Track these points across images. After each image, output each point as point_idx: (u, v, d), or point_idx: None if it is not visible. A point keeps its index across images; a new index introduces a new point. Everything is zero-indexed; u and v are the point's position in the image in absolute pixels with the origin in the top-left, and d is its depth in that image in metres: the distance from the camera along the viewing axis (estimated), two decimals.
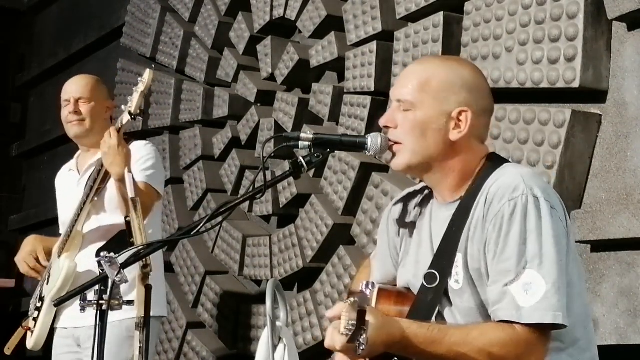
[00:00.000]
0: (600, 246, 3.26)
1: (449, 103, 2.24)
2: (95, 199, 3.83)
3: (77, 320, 3.75)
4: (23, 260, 3.99)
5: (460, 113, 2.23)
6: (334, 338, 2.00)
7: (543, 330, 2.06)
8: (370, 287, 1.92)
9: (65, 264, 3.81)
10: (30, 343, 3.89)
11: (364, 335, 1.89)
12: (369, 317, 1.90)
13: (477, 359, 2.04)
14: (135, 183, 3.59)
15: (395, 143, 2.26)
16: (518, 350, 2.04)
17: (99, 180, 3.83)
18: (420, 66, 2.34)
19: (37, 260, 3.95)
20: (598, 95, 3.37)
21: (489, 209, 2.14)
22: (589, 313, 2.31)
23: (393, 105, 2.30)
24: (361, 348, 1.89)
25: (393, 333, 2.02)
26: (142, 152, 3.87)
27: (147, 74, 3.61)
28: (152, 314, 3.69)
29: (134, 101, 3.61)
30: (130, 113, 3.61)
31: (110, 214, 3.79)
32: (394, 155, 2.28)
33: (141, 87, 3.60)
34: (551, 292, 2.04)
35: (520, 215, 2.09)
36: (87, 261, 3.77)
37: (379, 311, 2.07)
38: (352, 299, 1.91)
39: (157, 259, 3.84)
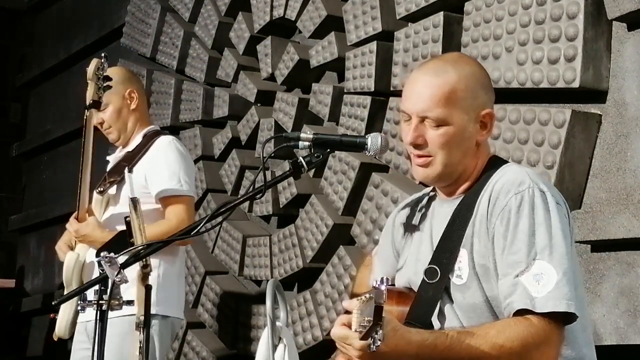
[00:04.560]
0: (600, 246, 3.26)
1: (474, 108, 2.23)
2: (111, 191, 3.85)
3: (87, 315, 3.77)
4: (59, 248, 4.00)
5: (484, 116, 2.23)
6: (348, 333, 1.97)
7: (557, 321, 2.06)
8: (385, 282, 1.88)
9: (67, 256, 3.84)
10: (56, 331, 3.91)
11: (380, 332, 1.84)
12: (384, 314, 1.86)
13: (499, 356, 2.03)
14: (161, 202, 3.72)
15: (424, 156, 2.23)
16: (537, 341, 2.04)
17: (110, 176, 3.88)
18: (437, 78, 2.23)
19: (72, 248, 3.94)
20: (598, 95, 3.37)
21: (495, 204, 2.15)
22: (587, 316, 2.31)
23: (414, 120, 2.23)
24: (376, 345, 1.84)
25: (407, 344, 2.00)
26: (163, 156, 3.85)
27: (92, 63, 3.74)
28: (166, 313, 3.75)
29: (88, 92, 3.74)
30: (85, 106, 3.74)
31: (124, 207, 3.81)
32: (422, 166, 2.23)
33: (88, 77, 3.74)
34: (562, 281, 2.05)
35: (528, 207, 2.10)
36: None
37: (394, 319, 2.04)
38: (366, 295, 1.88)
39: (172, 261, 3.85)
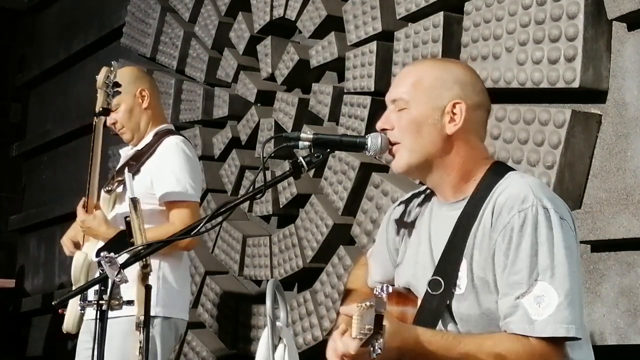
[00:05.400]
0: (600, 246, 3.26)
1: (441, 98, 2.25)
2: (119, 189, 3.87)
3: (92, 313, 3.79)
4: (64, 243, 4.03)
5: (454, 106, 2.24)
6: (347, 342, 1.97)
7: (557, 343, 2.05)
8: (385, 290, 1.89)
9: (75, 256, 3.85)
10: (64, 325, 3.93)
11: (381, 340, 1.84)
12: (385, 322, 1.86)
13: None
14: (166, 205, 3.72)
15: (394, 144, 2.27)
16: None
17: (118, 176, 3.89)
18: (412, 67, 2.38)
19: (78, 244, 3.97)
20: (598, 95, 3.37)
21: (498, 220, 2.13)
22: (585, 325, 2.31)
23: (389, 107, 2.31)
24: (376, 353, 1.85)
25: (407, 339, 2.01)
26: (169, 158, 3.84)
27: (101, 72, 3.73)
28: (169, 315, 3.76)
29: (98, 99, 3.74)
30: (94, 113, 3.74)
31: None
32: (393, 157, 2.28)
33: (98, 85, 3.73)
34: (563, 304, 2.04)
35: (531, 227, 2.08)
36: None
37: (393, 316, 2.05)
38: (367, 303, 1.87)
39: (177, 265, 3.86)
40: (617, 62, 3.34)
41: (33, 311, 7.82)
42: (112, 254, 2.32)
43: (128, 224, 2.71)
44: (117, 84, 3.76)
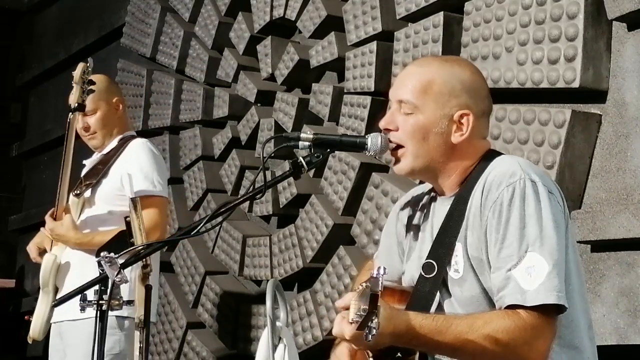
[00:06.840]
0: (600, 246, 3.26)
1: (450, 106, 2.25)
2: (87, 194, 3.89)
3: (59, 315, 3.81)
4: (29, 249, 4.07)
5: (461, 116, 2.25)
6: (343, 327, 1.99)
7: (548, 314, 2.06)
8: (382, 271, 1.88)
9: (45, 258, 3.87)
10: (30, 333, 3.93)
11: (376, 320, 1.84)
12: (379, 304, 1.86)
13: (484, 346, 2.04)
14: (140, 202, 3.72)
15: (397, 146, 2.26)
16: (525, 335, 2.04)
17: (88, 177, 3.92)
18: (420, 68, 2.33)
19: (44, 251, 3.99)
20: (598, 95, 3.37)
21: (487, 196, 2.16)
22: (589, 310, 2.31)
23: (393, 106, 2.30)
24: (372, 334, 1.84)
25: (399, 324, 2.01)
26: (134, 156, 3.91)
27: (78, 67, 3.80)
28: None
29: (73, 95, 3.81)
30: (70, 108, 3.82)
31: (99, 210, 3.85)
32: (397, 159, 2.28)
33: (75, 80, 3.80)
34: (553, 273, 2.06)
35: (519, 200, 2.11)
36: (72, 254, 3.83)
37: (386, 303, 2.06)
38: (363, 284, 1.88)
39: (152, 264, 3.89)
40: (617, 62, 3.34)
41: (33, 311, 7.80)
42: (112, 254, 2.32)
43: (128, 224, 2.71)
44: (91, 82, 3.83)
